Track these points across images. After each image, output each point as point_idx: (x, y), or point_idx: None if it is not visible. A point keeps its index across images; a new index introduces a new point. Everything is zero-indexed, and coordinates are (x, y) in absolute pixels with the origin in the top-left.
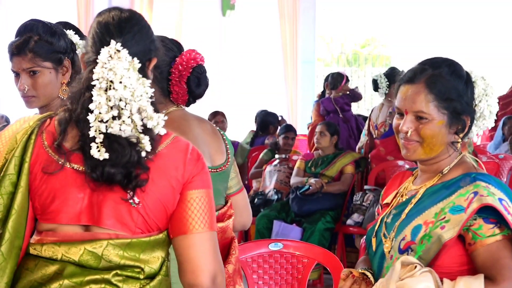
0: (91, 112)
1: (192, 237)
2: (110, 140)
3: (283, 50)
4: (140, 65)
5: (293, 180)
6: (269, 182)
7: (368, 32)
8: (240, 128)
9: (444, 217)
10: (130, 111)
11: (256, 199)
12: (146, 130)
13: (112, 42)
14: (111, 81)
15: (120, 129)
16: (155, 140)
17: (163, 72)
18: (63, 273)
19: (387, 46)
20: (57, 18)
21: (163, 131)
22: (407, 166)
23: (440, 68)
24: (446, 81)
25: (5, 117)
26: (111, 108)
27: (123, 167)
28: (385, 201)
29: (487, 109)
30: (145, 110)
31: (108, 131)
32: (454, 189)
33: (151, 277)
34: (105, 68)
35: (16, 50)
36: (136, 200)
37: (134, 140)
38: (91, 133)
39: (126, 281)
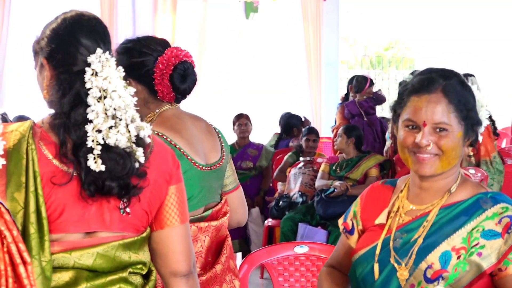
0: (89, 122)
1: (175, 228)
2: (108, 151)
3: (307, 53)
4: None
5: (318, 183)
6: (294, 185)
7: (391, 35)
8: (265, 131)
9: (478, 243)
10: (126, 120)
11: (281, 202)
12: (139, 140)
13: (99, 50)
14: (104, 90)
15: (116, 139)
16: (145, 148)
17: (149, 71)
18: (79, 280)
19: (411, 49)
20: None
21: (148, 140)
22: None
23: (451, 79)
24: (460, 91)
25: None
26: (108, 118)
27: (120, 179)
28: (378, 221)
29: (485, 120)
30: (136, 120)
31: (106, 142)
32: (476, 212)
33: (149, 270)
34: (100, 77)
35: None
36: (128, 210)
37: (129, 150)
38: (89, 144)
39: (136, 277)
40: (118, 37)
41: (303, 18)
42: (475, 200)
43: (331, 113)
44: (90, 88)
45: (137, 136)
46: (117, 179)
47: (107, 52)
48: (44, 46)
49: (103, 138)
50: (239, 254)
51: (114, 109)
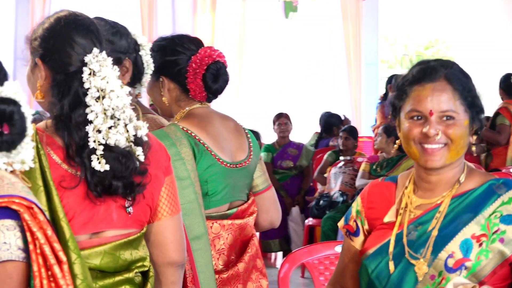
0: (89, 122)
1: (173, 218)
2: (109, 151)
3: (347, 52)
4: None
5: (359, 182)
6: (334, 184)
7: (432, 33)
8: (305, 130)
9: (498, 229)
10: (124, 120)
11: (321, 201)
12: (137, 139)
13: (95, 50)
14: (103, 90)
15: (116, 139)
16: (144, 146)
17: (182, 70)
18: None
19: (451, 48)
20: (121, 18)
21: (145, 138)
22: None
23: (451, 67)
24: (463, 79)
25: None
26: (107, 118)
27: (124, 178)
28: (387, 220)
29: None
30: (133, 119)
31: (107, 142)
32: (491, 198)
33: (149, 265)
34: (98, 76)
35: None
36: (131, 209)
37: (128, 149)
38: (91, 145)
39: (139, 278)
40: (158, 37)
41: (342, 17)
42: (487, 187)
43: (371, 112)
44: (88, 88)
45: (135, 135)
46: (121, 179)
47: (104, 52)
48: (38, 46)
49: (103, 138)
50: (279, 254)
51: (113, 109)
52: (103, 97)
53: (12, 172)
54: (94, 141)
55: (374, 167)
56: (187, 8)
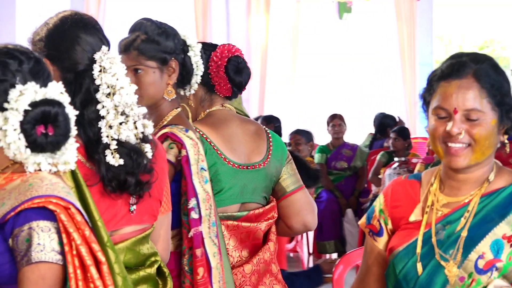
0: (101, 118)
1: (167, 215)
2: (121, 147)
3: (401, 52)
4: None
5: None
6: None
7: (486, 34)
8: (359, 131)
9: None
10: (133, 117)
11: None
12: (144, 137)
13: (104, 47)
14: (113, 87)
15: (127, 136)
16: (151, 144)
17: (204, 68)
18: None
19: (506, 48)
20: (175, 20)
21: (150, 137)
22: None
23: (482, 63)
24: (493, 76)
25: None
26: (118, 114)
27: (135, 175)
28: (412, 219)
29: None
30: (140, 117)
31: (119, 138)
32: None
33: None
34: (109, 73)
35: (123, 48)
36: (135, 208)
37: (139, 146)
38: (104, 140)
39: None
40: (212, 38)
41: (396, 17)
42: None
43: None
44: (99, 85)
45: (143, 133)
46: (133, 174)
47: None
48: (44, 46)
49: (115, 134)
50: (334, 255)
51: (123, 106)
52: (114, 94)
53: (56, 173)
54: (107, 136)
55: (429, 167)
56: (241, 10)
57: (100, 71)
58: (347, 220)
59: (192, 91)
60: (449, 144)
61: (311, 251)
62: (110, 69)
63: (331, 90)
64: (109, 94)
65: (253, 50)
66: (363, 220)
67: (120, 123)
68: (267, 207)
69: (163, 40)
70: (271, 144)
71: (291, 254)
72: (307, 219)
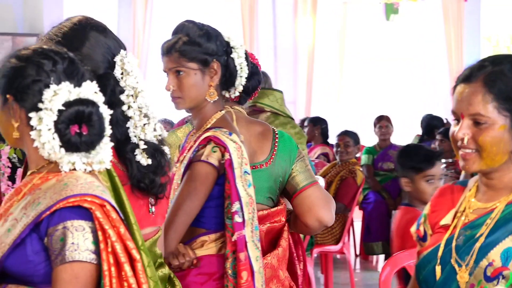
0: (128, 119)
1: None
2: (148, 147)
3: (448, 54)
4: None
5: None
6: None
7: None
8: (406, 133)
9: None
10: (153, 119)
11: None
12: (162, 139)
13: (123, 51)
14: (135, 89)
15: (151, 137)
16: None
17: None
18: None
19: None
20: (222, 21)
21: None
22: None
23: (501, 65)
24: (508, 79)
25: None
26: (141, 115)
27: (159, 175)
28: (443, 222)
29: None
30: (156, 120)
31: (145, 138)
32: None
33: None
34: (131, 76)
35: (165, 50)
36: (154, 209)
37: (161, 148)
38: (133, 140)
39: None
40: (259, 40)
41: (444, 18)
42: None
43: None
44: (124, 87)
45: (160, 135)
46: (158, 174)
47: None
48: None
49: (141, 134)
50: (381, 257)
51: (146, 108)
52: (136, 96)
53: (91, 172)
54: (135, 137)
55: None
56: (288, 11)
57: (122, 73)
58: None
59: (237, 93)
60: (460, 150)
61: (358, 252)
62: (132, 72)
63: (378, 91)
64: (132, 96)
65: (300, 51)
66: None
67: (144, 125)
68: (273, 209)
69: (204, 42)
70: (276, 144)
71: (338, 256)
72: (320, 215)
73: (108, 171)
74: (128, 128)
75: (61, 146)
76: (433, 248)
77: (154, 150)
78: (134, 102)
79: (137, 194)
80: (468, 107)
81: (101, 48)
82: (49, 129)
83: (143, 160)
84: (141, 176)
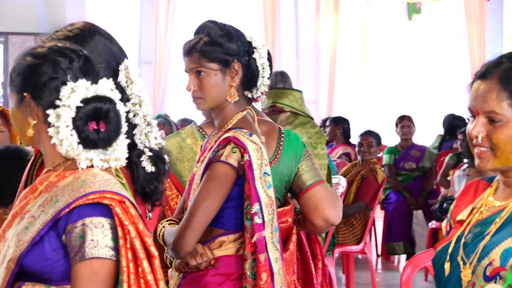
0: (134, 126)
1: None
2: (153, 155)
3: (470, 53)
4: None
5: None
6: (458, 187)
7: None
8: (428, 133)
9: None
10: (154, 128)
11: (445, 204)
12: (161, 148)
13: (126, 60)
14: (139, 97)
15: (153, 144)
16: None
17: None
18: None
19: None
20: (244, 21)
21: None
22: None
23: None
24: None
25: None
26: (145, 123)
27: (160, 183)
28: (459, 218)
29: None
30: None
31: (149, 146)
32: None
33: None
34: (136, 85)
35: (186, 51)
36: (151, 215)
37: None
38: (139, 146)
39: None
40: (281, 40)
41: (466, 18)
42: None
43: None
44: (130, 95)
45: (160, 143)
46: (160, 182)
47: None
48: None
49: (146, 142)
50: (402, 257)
51: (149, 116)
52: (140, 105)
53: (107, 169)
54: (141, 143)
55: None
56: (310, 11)
57: (127, 81)
58: (416, 222)
59: (259, 94)
60: (475, 148)
61: (379, 252)
62: (136, 80)
63: (400, 91)
64: (137, 104)
65: (322, 51)
66: (445, 220)
67: (148, 132)
68: (279, 210)
69: (225, 42)
70: (281, 143)
71: (359, 256)
72: (326, 213)
73: (116, 172)
74: (134, 134)
75: (79, 143)
76: (446, 244)
77: (157, 158)
78: (139, 110)
79: (137, 199)
80: (482, 105)
81: (105, 53)
82: (67, 126)
83: (148, 167)
84: (145, 182)
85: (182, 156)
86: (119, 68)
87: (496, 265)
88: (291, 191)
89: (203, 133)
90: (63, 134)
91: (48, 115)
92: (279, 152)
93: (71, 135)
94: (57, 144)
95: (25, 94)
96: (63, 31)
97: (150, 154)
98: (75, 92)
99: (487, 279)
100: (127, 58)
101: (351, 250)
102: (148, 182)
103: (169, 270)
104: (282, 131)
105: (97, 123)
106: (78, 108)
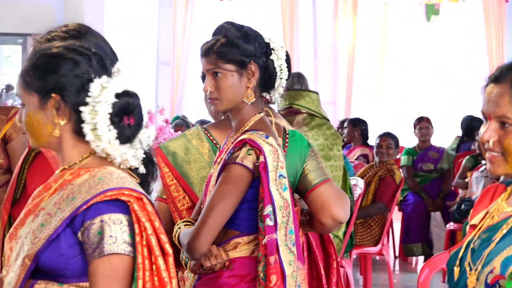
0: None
1: None
2: (145, 157)
3: (489, 55)
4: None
5: None
6: (475, 188)
7: None
8: (447, 134)
9: None
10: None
11: (463, 205)
12: (150, 150)
13: (118, 63)
14: None
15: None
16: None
17: None
18: None
19: None
20: (263, 22)
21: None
22: None
23: None
24: None
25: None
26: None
27: (150, 184)
28: (472, 222)
29: None
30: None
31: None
32: None
33: None
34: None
35: (204, 52)
36: None
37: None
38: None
39: None
40: (299, 41)
41: (485, 19)
42: None
43: None
44: None
45: (149, 145)
46: (149, 184)
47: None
48: None
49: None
50: (420, 258)
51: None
52: None
53: (119, 167)
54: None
55: None
56: (328, 12)
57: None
58: (434, 223)
59: (277, 95)
60: (486, 152)
61: (397, 254)
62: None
63: (418, 92)
64: None
65: (340, 53)
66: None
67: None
68: None
69: (242, 43)
70: (286, 144)
71: (377, 257)
72: (333, 212)
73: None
74: None
75: (116, 138)
76: (458, 249)
77: (148, 160)
78: None
79: None
80: (495, 109)
81: (109, 58)
82: (105, 122)
83: (141, 168)
84: (138, 183)
85: (188, 158)
86: (113, 70)
87: (496, 273)
88: (297, 192)
89: (208, 134)
90: (101, 130)
91: (74, 114)
92: (284, 153)
93: (109, 130)
94: (91, 140)
95: (53, 95)
96: (58, 31)
97: (143, 156)
98: (106, 88)
99: (488, 286)
100: (118, 61)
101: (369, 251)
102: (142, 182)
103: (185, 271)
104: (287, 132)
105: (128, 117)
106: (113, 103)
